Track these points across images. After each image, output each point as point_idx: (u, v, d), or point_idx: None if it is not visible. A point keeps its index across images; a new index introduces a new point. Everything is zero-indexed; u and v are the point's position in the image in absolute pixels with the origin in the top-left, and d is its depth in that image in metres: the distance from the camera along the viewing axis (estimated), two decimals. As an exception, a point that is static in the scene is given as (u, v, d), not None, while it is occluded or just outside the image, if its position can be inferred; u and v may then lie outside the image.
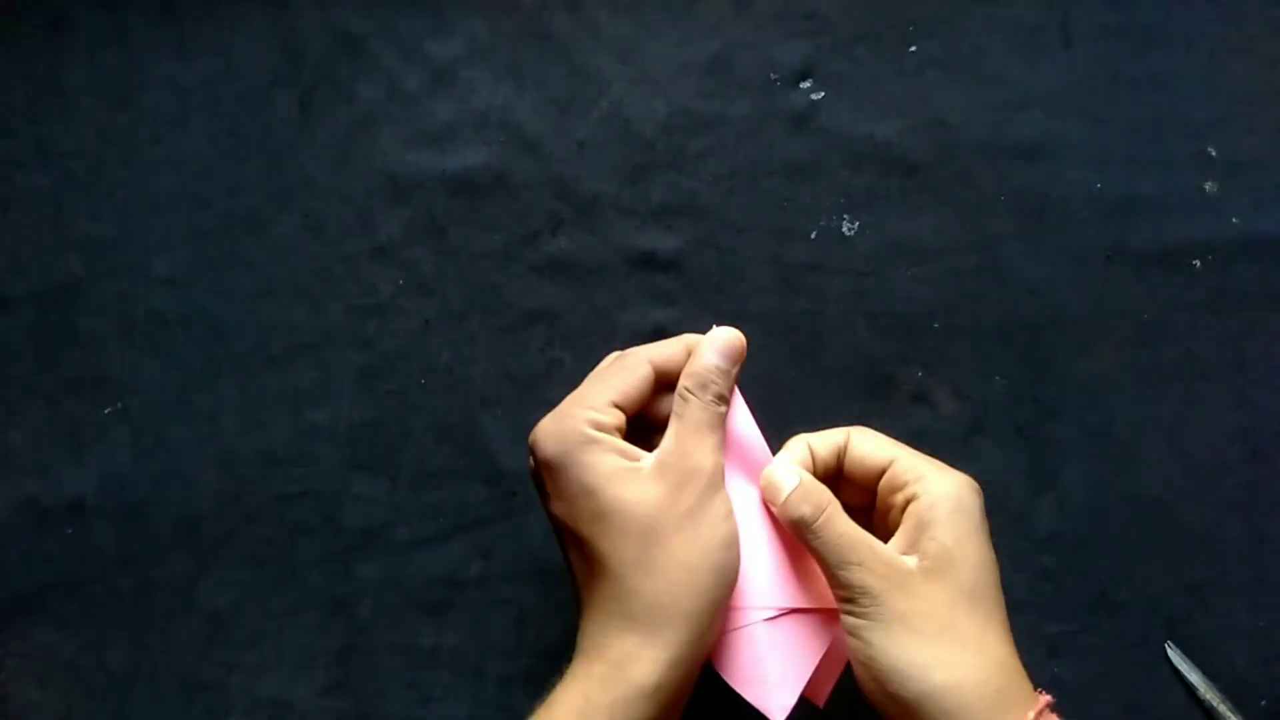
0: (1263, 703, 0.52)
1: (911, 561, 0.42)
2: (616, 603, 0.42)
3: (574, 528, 0.43)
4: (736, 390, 0.46)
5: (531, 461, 0.45)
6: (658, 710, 0.41)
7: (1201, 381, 0.54)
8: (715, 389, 0.44)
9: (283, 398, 0.56)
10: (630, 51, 0.57)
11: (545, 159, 0.56)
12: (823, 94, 0.56)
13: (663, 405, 0.46)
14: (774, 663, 0.44)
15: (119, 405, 0.56)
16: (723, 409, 0.45)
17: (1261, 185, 0.55)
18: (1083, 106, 0.55)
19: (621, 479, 0.43)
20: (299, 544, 0.55)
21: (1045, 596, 0.53)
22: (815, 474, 0.45)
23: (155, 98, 0.57)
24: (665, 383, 0.46)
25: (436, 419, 0.56)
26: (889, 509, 0.45)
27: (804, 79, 0.56)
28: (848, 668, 0.44)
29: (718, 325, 0.47)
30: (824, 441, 0.46)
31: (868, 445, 0.46)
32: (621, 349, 0.55)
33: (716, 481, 0.43)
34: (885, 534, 0.44)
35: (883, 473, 0.45)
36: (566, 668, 0.43)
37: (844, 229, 0.56)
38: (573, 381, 0.55)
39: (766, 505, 0.45)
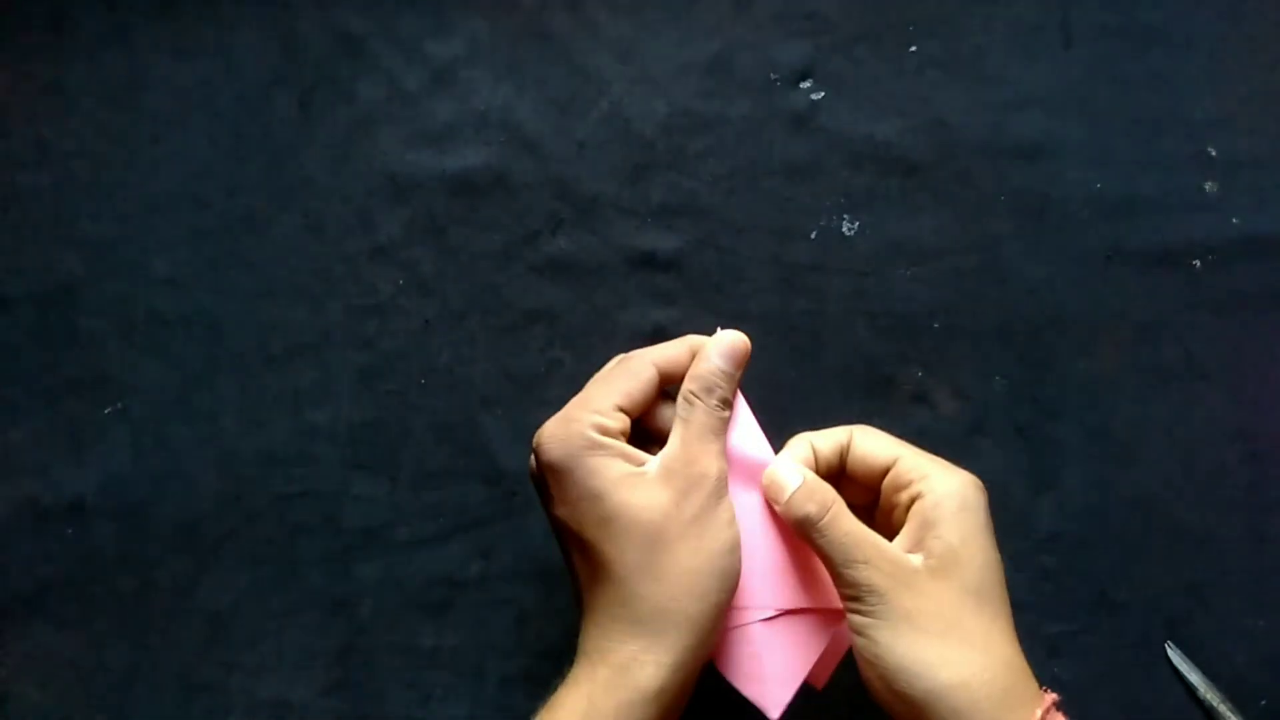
0: (1263, 702, 0.52)
1: (917, 560, 0.42)
2: (620, 606, 0.42)
3: (578, 531, 0.43)
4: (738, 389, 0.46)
5: (533, 463, 0.45)
6: (660, 713, 0.41)
7: (1201, 381, 0.54)
8: (720, 393, 0.45)
9: (283, 398, 0.56)
10: (630, 51, 0.57)
11: (545, 159, 0.56)
12: (823, 94, 0.56)
13: (663, 408, 0.46)
14: (771, 661, 0.44)
15: (119, 405, 0.56)
16: (727, 413, 0.45)
17: (1261, 185, 0.55)
18: (1083, 106, 0.55)
19: (627, 484, 0.43)
20: (299, 544, 0.55)
21: (1045, 596, 0.53)
22: (818, 472, 0.45)
23: (155, 97, 0.57)
24: (668, 385, 0.46)
25: (436, 419, 0.56)
26: (893, 508, 0.45)
27: (804, 79, 0.56)
28: (848, 655, 0.44)
29: (720, 326, 0.46)
30: (827, 440, 0.46)
31: (871, 444, 0.46)
32: (622, 349, 0.55)
33: (721, 488, 0.43)
34: (888, 533, 0.44)
35: (886, 471, 0.45)
36: (568, 670, 0.43)
37: (844, 229, 0.56)
38: (573, 381, 0.55)
39: (768, 504, 0.45)
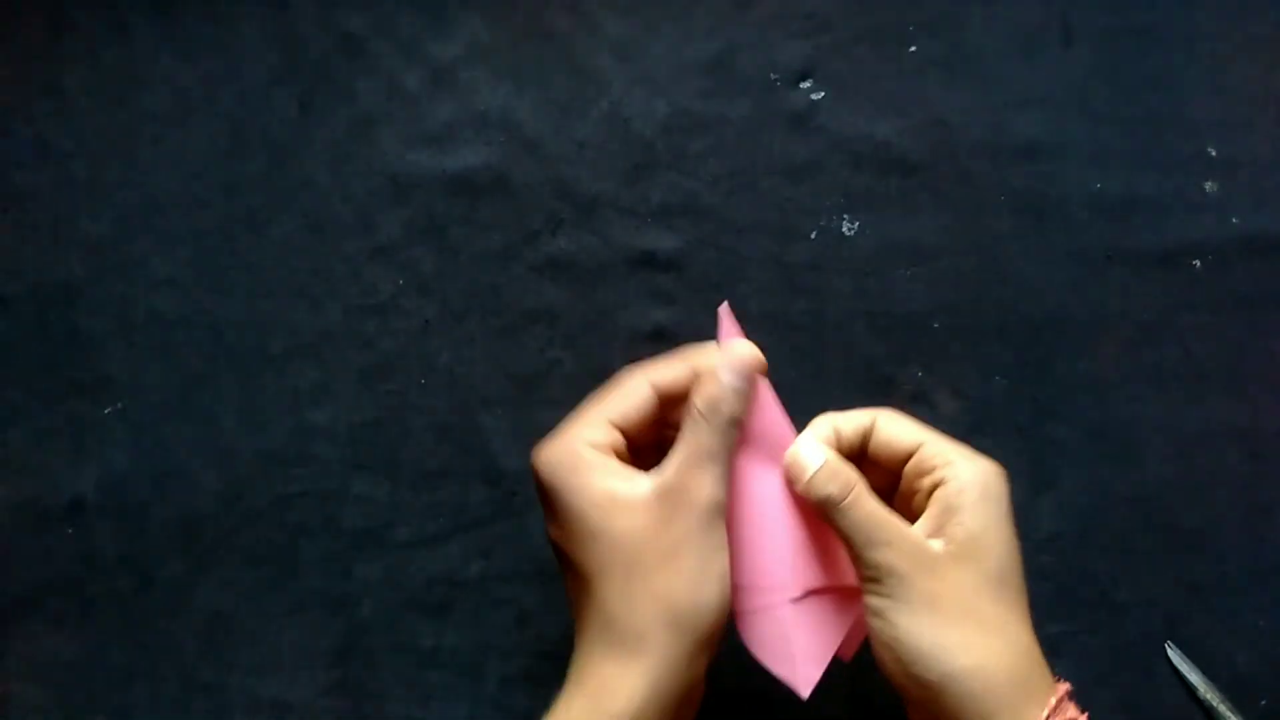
0: (1263, 702, 0.52)
1: (937, 546, 0.42)
2: (599, 629, 0.42)
3: (566, 550, 0.43)
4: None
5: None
6: None
7: (1201, 381, 0.54)
8: (728, 411, 0.43)
9: (282, 398, 0.56)
10: (630, 51, 0.57)
11: (545, 159, 0.56)
12: (823, 94, 0.56)
13: (676, 421, 0.45)
14: (800, 640, 0.44)
15: (119, 405, 0.56)
16: (734, 433, 0.43)
17: (1261, 185, 0.55)
18: (1083, 106, 0.55)
19: (611, 504, 0.42)
20: (299, 544, 0.55)
21: (1045, 596, 0.53)
22: (839, 453, 0.44)
23: (155, 98, 0.57)
24: (670, 400, 0.45)
25: (436, 419, 0.56)
26: (914, 493, 0.45)
27: (804, 79, 0.56)
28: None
29: (723, 301, 0.45)
30: (850, 422, 0.45)
31: (895, 428, 0.45)
32: (622, 349, 0.55)
33: (712, 515, 0.42)
34: (908, 518, 0.44)
35: (909, 456, 0.45)
36: (558, 693, 0.43)
37: (844, 229, 0.56)
38: (573, 381, 0.55)
39: (789, 484, 0.45)
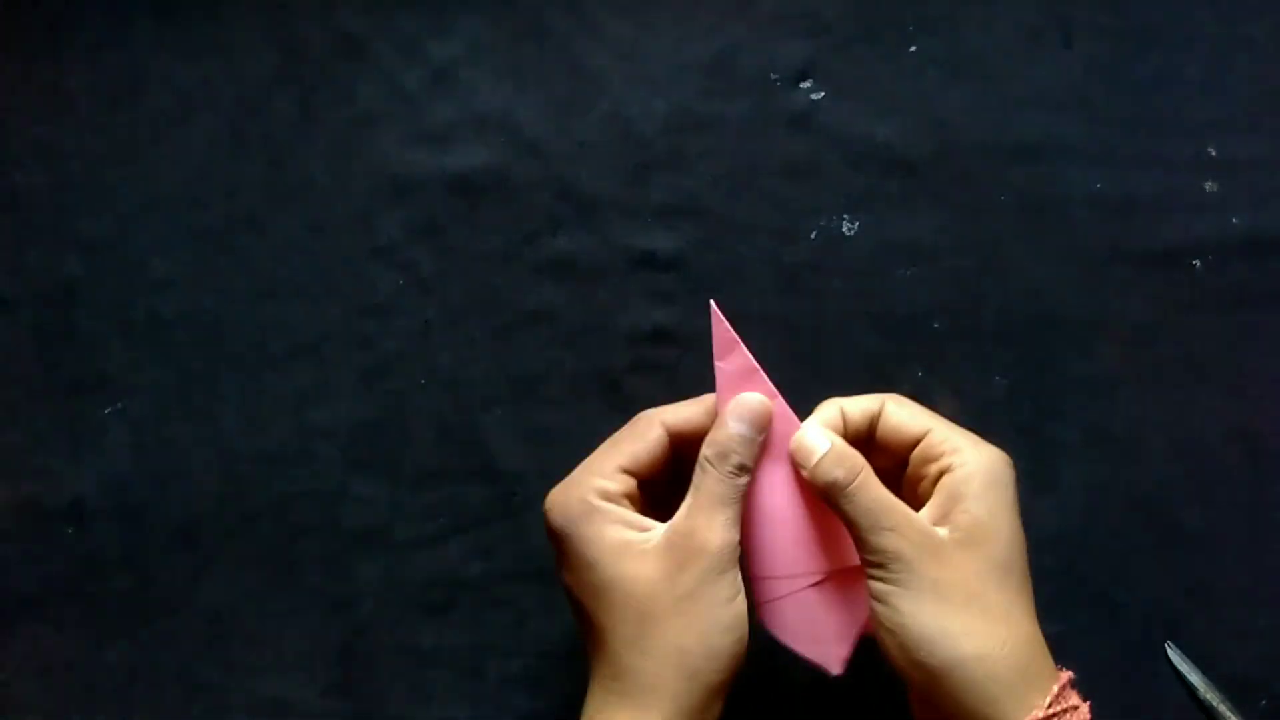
0: (1263, 702, 0.52)
1: (943, 533, 0.42)
2: (612, 679, 0.42)
3: (578, 598, 0.43)
4: (752, 360, 0.45)
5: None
6: None
7: (1201, 381, 0.54)
8: (737, 459, 0.43)
9: (283, 398, 0.56)
10: (630, 51, 0.57)
11: (545, 159, 0.56)
12: (823, 94, 0.56)
13: (690, 464, 0.45)
14: (827, 621, 0.45)
15: (119, 405, 0.56)
16: (743, 480, 0.43)
17: (1261, 185, 0.55)
18: (1083, 106, 0.55)
19: (623, 554, 0.42)
20: (299, 544, 0.55)
21: (1045, 596, 0.53)
22: (846, 438, 0.44)
23: (155, 98, 0.57)
24: (684, 443, 0.45)
25: (436, 419, 0.56)
26: (920, 479, 0.45)
27: (804, 79, 0.56)
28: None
29: (713, 300, 0.45)
30: (857, 406, 0.46)
31: (903, 414, 0.45)
32: (622, 349, 0.55)
33: (723, 562, 0.42)
34: (914, 504, 0.44)
35: (916, 442, 0.45)
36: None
37: (844, 229, 0.56)
38: (573, 381, 0.55)
39: (795, 469, 0.45)
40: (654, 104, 0.56)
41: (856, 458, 0.43)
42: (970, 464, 0.43)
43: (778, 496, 0.45)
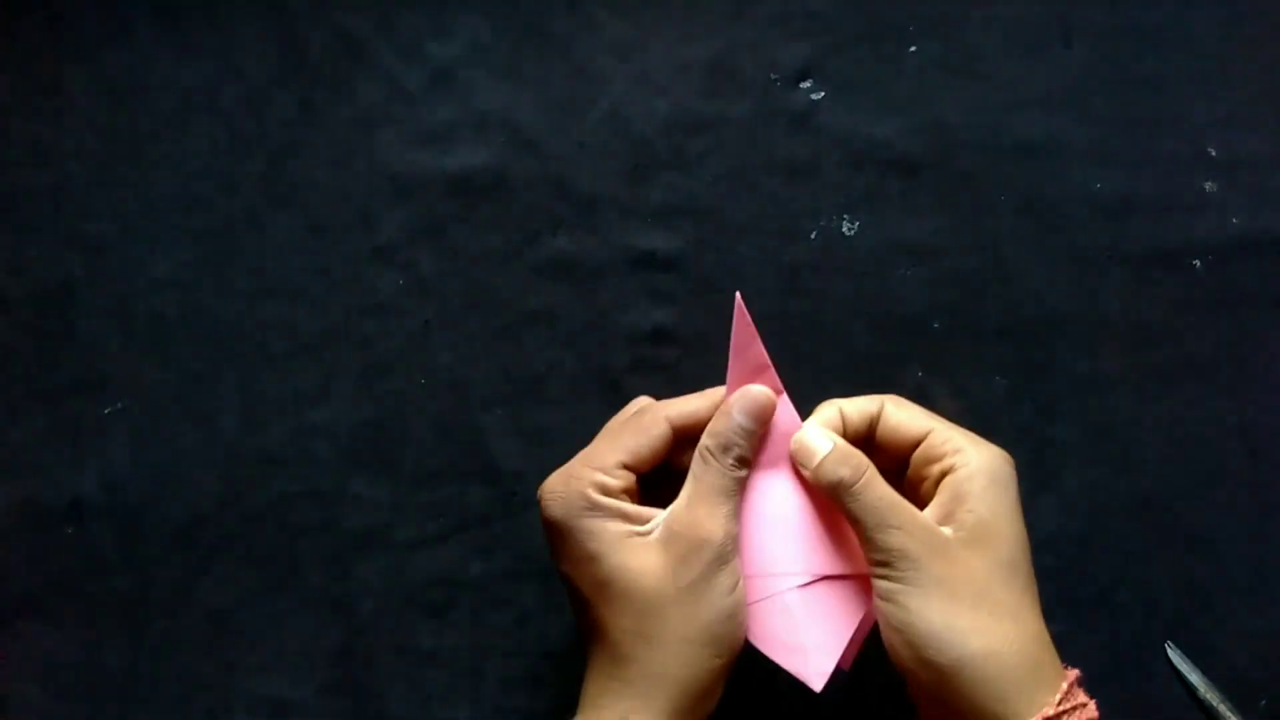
0: (1263, 702, 0.52)
1: (947, 532, 0.42)
2: (614, 667, 0.42)
3: (578, 590, 0.43)
4: (766, 357, 0.45)
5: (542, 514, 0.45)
6: None
7: (1201, 381, 0.54)
8: (738, 451, 0.43)
9: (283, 398, 0.56)
10: (630, 51, 0.57)
11: (545, 159, 0.56)
12: (823, 94, 0.56)
13: (687, 456, 0.45)
14: (810, 630, 0.44)
15: (119, 405, 0.56)
16: (743, 473, 0.44)
17: (1261, 185, 0.55)
18: (1083, 106, 0.55)
19: (623, 547, 0.42)
20: (299, 544, 0.55)
21: (1045, 596, 0.53)
22: (846, 439, 0.44)
23: (155, 98, 0.57)
24: (686, 438, 0.45)
25: (436, 419, 0.56)
26: (921, 480, 0.45)
27: (804, 79, 0.56)
28: (873, 635, 0.44)
29: (739, 292, 0.45)
30: (857, 407, 0.46)
31: (904, 415, 0.45)
32: (622, 349, 0.55)
33: (725, 553, 0.42)
34: (916, 505, 0.43)
35: (917, 443, 0.45)
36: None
37: (844, 229, 0.56)
38: (573, 381, 0.55)
39: (794, 470, 0.45)
40: (654, 104, 0.56)
41: (860, 457, 0.43)
42: (973, 464, 0.43)
43: (772, 496, 0.45)
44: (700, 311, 0.55)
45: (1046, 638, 0.42)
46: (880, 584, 0.42)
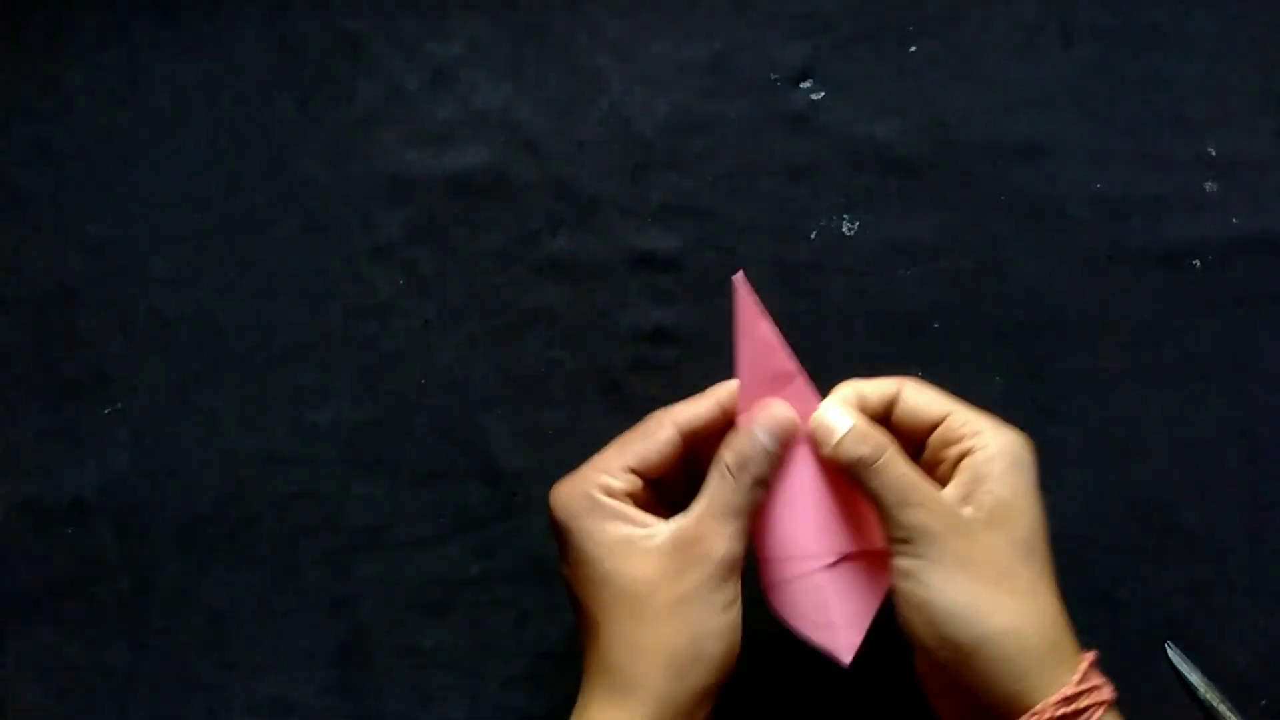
0: (1263, 702, 0.52)
1: (967, 512, 0.42)
2: (602, 673, 0.42)
3: (576, 592, 0.43)
4: (777, 333, 0.45)
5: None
6: None
7: (1201, 381, 0.54)
8: (755, 470, 0.43)
9: (283, 398, 0.56)
10: (630, 51, 0.57)
11: (545, 159, 0.56)
12: (823, 94, 0.56)
13: (706, 459, 0.45)
14: (838, 607, 0.44)
15: (119, 405, 0.56)
16: (759, 492, 0.43)
17: (1261, 185, 0.55)
18: (1083, 106, 0.55)
19: (622, 551, 0.42)
20: (299, 544, 0.55)
21: (1045, 596, 0.53)
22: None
23: (155, 97, 0.57)
24: (696, 442, 0.45)
25: (436, 419, 0.56)
26: (939, 462, 0.44)
27: (804, 79, 0.56)
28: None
29: (742, 270, 0.45)
30: (875, 389, 0.45)
31: (922, 398, 0.45)
32: (622, 349, 0.55)
33: (726, 570, 0.42)
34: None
35: (934, 426, 0.44)
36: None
37: (844, 229, 0.56)
38: (573, 381, 0.55)
39: (813, 450, 0.45)
40: (654, 104, 0.56)
41: (881, 434, 0.43)
42: (993, 446, 0.43)
43: (795, 477, 0.44)
44: (700, 311, 0.55)
45: (1064, 619, 0.42)
46: (900, 561, 0.41)
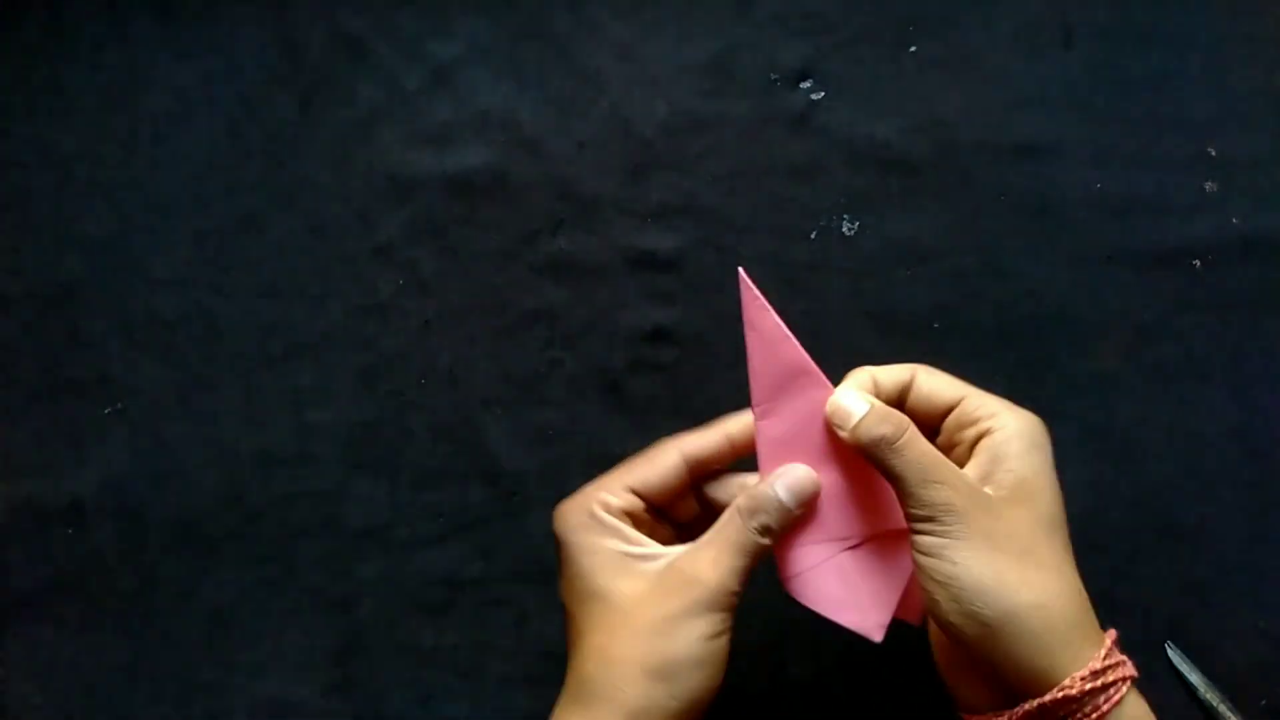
0: (1262, 702, 0.52)
1: (988, 490, 0.42)
2: (576, 683, 0.42)
3: (567, 605, 0.43)
4: (783, 326, 0.45)
5: None
6: None
7: (1201, 381, 0.54)
8: (763, 520, 0.43)
9: (283, 398, 0.56)
10: (630, 51, 0.57)
11: (545, 159, 0.56)
12: (823, 94, 0.56)
13: (715, 489, 0.45)
14: (865, 587, 0.44)
15: (119, 405, 0.56)
16: (765, 541, 0.43)
17: (1261, 185, 0.55)
18: (1083, 106, 0.55)
19: (614, 567, 0.42)
20: (299, 544, 0.55)
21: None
22: None
23: (155, 98, 0.57)
24: (701, 470, 0.45)
25: (436, 419, 0.56)
26: (954, 445, 0.44)
27: (804, 79, 0.56)
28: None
29: (742, 268, 0.45)
30: (889, 374, 0.45)
31: (936, 382, 0.45)
32: (622, 349, 0.55)
33: (715, 601, 0.42)
34: None
35: (949, 410, 0.44)
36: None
37: (844, 229, 0.56)
38: (573, 381, 0.55)
39: (827, 437, 0.44)
40: (654, 104, 0.56)
41: (900, 415, 0.43)
42: (1010, 427, 0.43)
43: (806, 460, 0.44)
44: (700, 311, 0.55)
45: (1086, 597, 0.42)
46: (923, 540, 0.41)
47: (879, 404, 0.43)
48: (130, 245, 0.57)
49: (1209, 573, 0.53)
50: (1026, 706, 0.40)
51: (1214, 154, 0.55)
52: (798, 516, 0.44)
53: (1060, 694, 0.39)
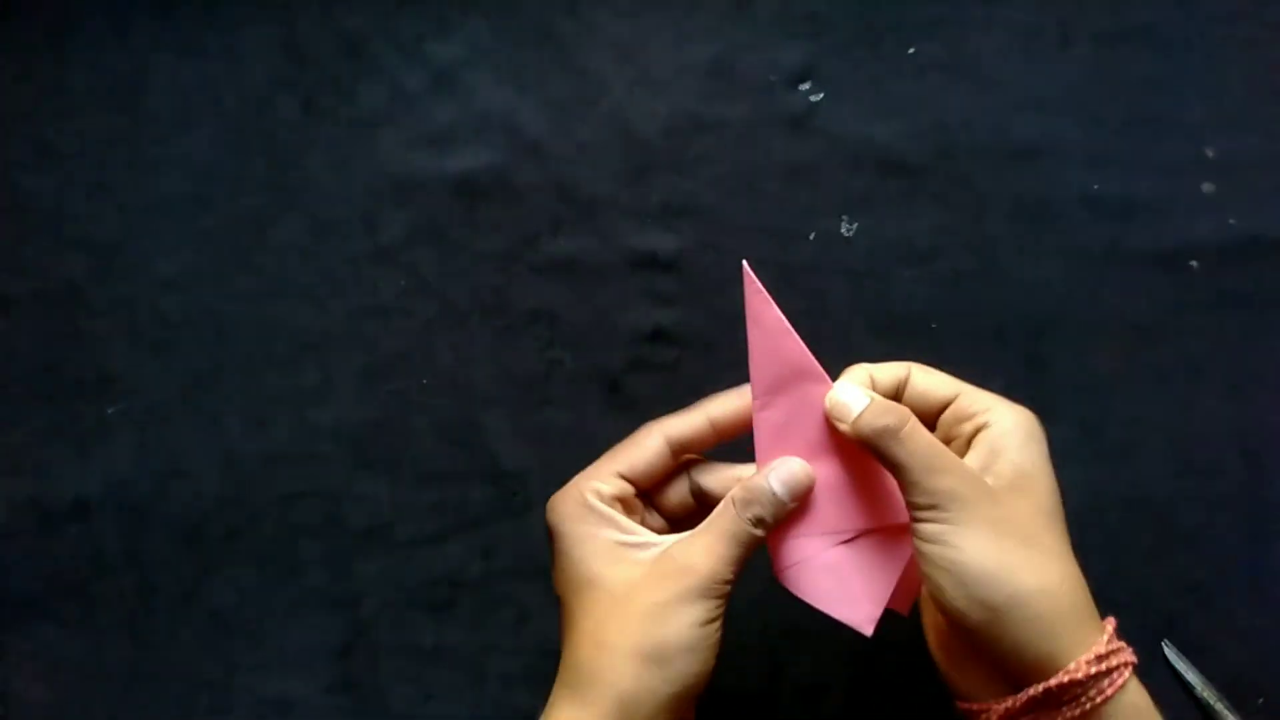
0: (1260, 701, 0.52)
1: (989, 480, 0.42)
2: (569, 670, 0.42)
3: (561, 594, 0.44)
4: (785, 321, 0.45)
5: None
6: None
7: (1201, 381, 0.54)
8: (757, 511, 0.43)
9: (285, 398, 0.56)
10: (631, 53, 0.57)
11: (546, 160, 0.56)
12: (822, 95, 0.56)
13: (709, 480, 0.46)
14: (858, 580, 0.45)
15: (122, 406, 0.56)
16: (758, 532, 0.43)
17: (1259, 186, 0.55)
18: (1081, 107, 0.55)
19: (608, 554, 0.43)
20: (301, 543, 0.56)
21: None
22: None
23: (158, 99, 0.58)
24: (685, 453, 0.46)
25: (438, 419, 0.56)
26: (951, 440, 0.45)
27: (803, 80, 0.56)
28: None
29: (745, 261, 0.45)
30: (885, 371, 0.45)
31: (931, 380, 0.45)
32: (622, 349, 0.56)
33: (707, 588, 0.42)
34: None
35: (944, 407, 0.45)
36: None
37: (843, 230, 0.56)
38: (573, 381, 0.56)
39: (825, 431, 0.45)
40: (654, 106, 0.56)
41: (901, 406, 0.43)
42: (1007, 421, 0.43)
43: (802, 454, 0.45)
44: (700, 312, 0.56)
45: (1086, 585, 0.42)
46: (926, 528, 0.41)
47: (879, 397, 0.43)
48: (133, 246, 0.57)
49: (1206, 572, 0.53)
50: (1031, 691, 0.40)
51: (1211, 155, 0.55)
52: (791, 509, 0.44)
53: (1065, 678, 0.39)
